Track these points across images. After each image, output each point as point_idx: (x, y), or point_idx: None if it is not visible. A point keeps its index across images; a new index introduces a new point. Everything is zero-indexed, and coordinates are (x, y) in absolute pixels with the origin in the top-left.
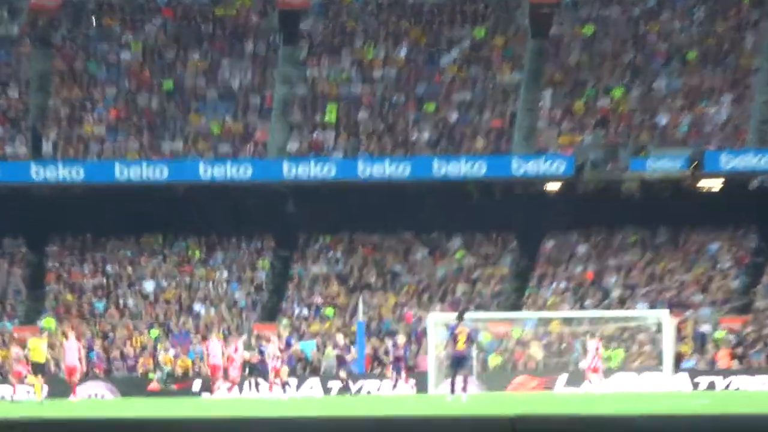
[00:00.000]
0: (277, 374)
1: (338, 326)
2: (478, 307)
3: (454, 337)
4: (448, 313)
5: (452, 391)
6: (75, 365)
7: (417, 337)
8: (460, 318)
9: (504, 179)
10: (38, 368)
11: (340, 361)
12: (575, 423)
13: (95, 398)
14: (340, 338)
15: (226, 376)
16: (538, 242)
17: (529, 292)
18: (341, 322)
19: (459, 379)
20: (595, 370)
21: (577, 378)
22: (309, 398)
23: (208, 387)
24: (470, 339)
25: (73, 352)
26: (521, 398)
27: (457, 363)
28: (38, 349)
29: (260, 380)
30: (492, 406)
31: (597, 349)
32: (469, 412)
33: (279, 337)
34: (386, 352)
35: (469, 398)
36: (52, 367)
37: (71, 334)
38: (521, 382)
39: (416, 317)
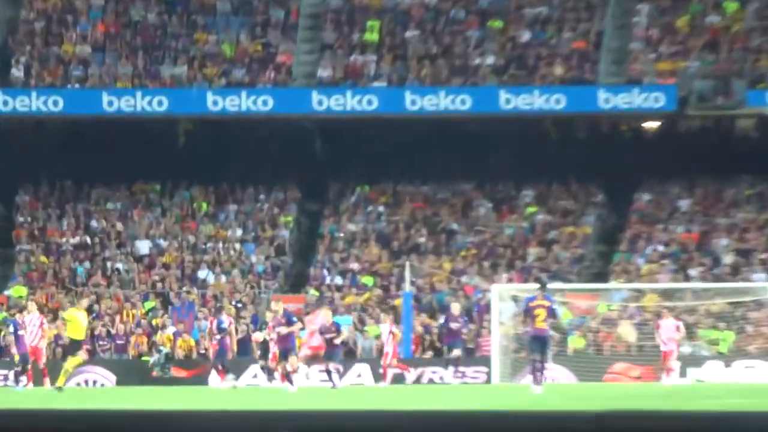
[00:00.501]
0: (274, 359)
1: (379, 298)
2: (554, 276)
3: (530, 312)
4: (517, 284)
5: (536, 380)
6: (39, 346)
7: (478, 312)
8: (542, 287)
9: (588, 115)
10: (75, 347)
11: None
12: (673, 420)
13: (88, 386)
14: (455, 307)
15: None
16: (630, 195)
17: (619, 257)
18: (383, 293)
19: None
20: (667, 358)
21: (684, 366)
22: (358, 387)
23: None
24: (551, 315)
25: (34, 329)
26: (618, 390)
27: (537, 344)
28: (76, 321)
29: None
30: (579, 399)
31: (677, 328)
32: (547, 407)
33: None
34: (439, 329)
35: (550, 389)
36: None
37: (32, 306)
38: (620, 370)
39: (477, 288)
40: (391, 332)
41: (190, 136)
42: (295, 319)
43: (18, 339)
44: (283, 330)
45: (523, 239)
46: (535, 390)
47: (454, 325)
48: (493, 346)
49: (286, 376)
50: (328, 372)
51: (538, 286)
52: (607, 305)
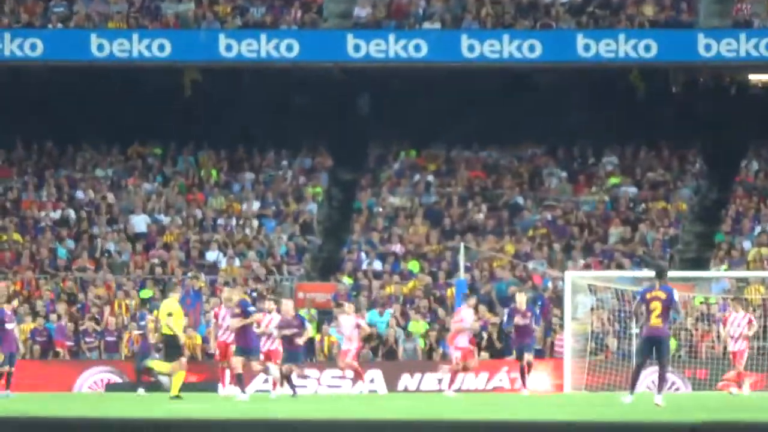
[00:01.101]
0: (223, 357)
1: (426, 288)
2: (641, 262)
3: (647, 306)
4: (595, 272)
5: (660, 389)
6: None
7: (544, 306)
8: (660, 275)
9: (684, 65)
10: (176, 349)
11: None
12: None
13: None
14: (521, 300)
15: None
16: (736, 164)
17: (721, 238)
18: (431, 281)
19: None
20: (736, 360)
21: None
22: (405, 394)
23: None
24: (668, 309)
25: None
26: (713, 401)
27: (648, 346)
28: (178, 315)
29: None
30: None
31: (749, 322)
32: (633, 417)
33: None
34: (504, 327)
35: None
36: None
37: (232, 295)
38: (732, 377)
39: (547, 276)
40: (357, 326)
41: (197, 88)
42: (252, 309)
43: (6, 334)
44: (236, 322)
45: (603, 216)
46: (657, 401)
47: (521, 322)
48: (566, 348)
49: (237, 379)
50: (287, 378)
51: (654, 273)
52: (704, 297)
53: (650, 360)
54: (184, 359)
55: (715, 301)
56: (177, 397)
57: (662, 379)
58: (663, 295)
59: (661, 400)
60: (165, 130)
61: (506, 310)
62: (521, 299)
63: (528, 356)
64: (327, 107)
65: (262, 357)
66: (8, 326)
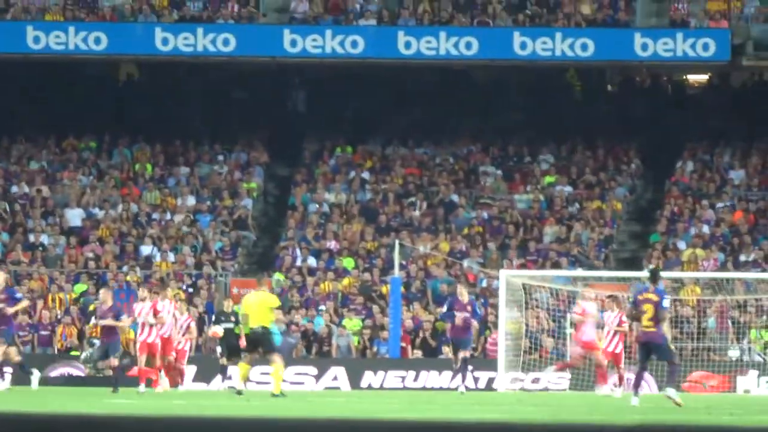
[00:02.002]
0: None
1: (362, 283)
2: (576, 262)
3: (638, 308)
4: (530, 271)
5: (669, 382)
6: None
7: (486, 306)
8: (653, 279)
9: (621, 64)
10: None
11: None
12: None
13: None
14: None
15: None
16: (672, 163)
17: (656, 238)
18: (366, 277)
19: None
20: (613, 359)
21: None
22: (334, 392)
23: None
24: (658, 312)
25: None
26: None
27: (644, 353)
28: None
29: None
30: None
31: (619, 319)
32: (568, 419)
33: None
34: (440, 316)
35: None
36: None
37: (146, 294)
38: (696, 378)
39: (481, 275)
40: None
41: (133, 81)
42: (19, 295)
43: None
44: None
45: (537, 214)
46: (671, 394)
47: (461, 316)
48: (500, 347)
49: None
50: (117, 370)
51: (648, 275)
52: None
53: (649, 362)
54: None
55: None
56: (281, 395)
57: (672, 373)
58: (655, 298)
59: (674, 393)
60: (100, 123)
61: (446, 302)
62: (463, 291)
63: (464, 352)
64: (263, 102)
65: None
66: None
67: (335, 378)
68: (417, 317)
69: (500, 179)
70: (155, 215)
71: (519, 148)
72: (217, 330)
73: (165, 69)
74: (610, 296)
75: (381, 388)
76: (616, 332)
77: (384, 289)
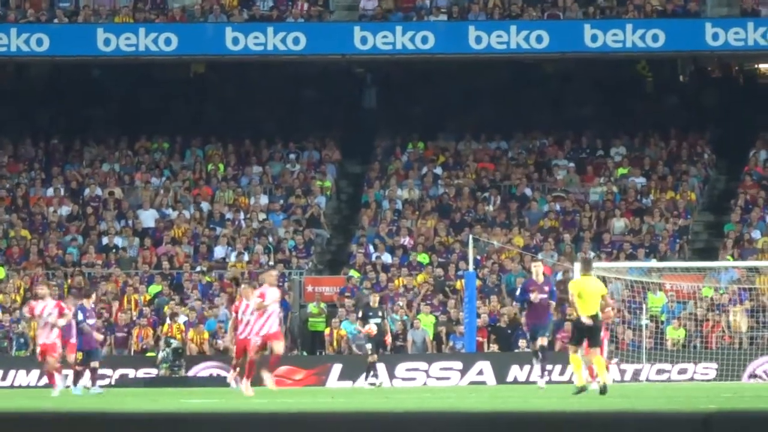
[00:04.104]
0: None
1: (436, 278)
2: (650, 253)
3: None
4: (605, 263)
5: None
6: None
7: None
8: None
9: (692, 54)
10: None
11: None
12: None
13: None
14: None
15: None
16: (745, 152)
17: (730, 228)
18: (441, 272)
19: None
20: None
21: None
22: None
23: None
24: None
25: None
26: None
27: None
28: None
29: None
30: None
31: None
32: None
33: None
34: (515, 298)
35: (641, 389)
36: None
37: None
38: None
39: (558, 267)
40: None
41: (204, 81)
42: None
43: (84, 330)
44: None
45: (611, 206)
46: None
47: (537, 297)
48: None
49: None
50: (92, 370)
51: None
52: (713, 288)
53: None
54: None
55: (725, 292)
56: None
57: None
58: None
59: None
60: (172, 124)
61: (520, 285)
62: (538, 270)
63: (542, 339)
64: (334, 100)
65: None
66: (89, 322)
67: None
68: (492, 311)
69: (573, 172)
70: (228, 215)
71: (591, 140)
72: (372, 327)
73: (235, 69)
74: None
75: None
76: None
77: (458, 285)
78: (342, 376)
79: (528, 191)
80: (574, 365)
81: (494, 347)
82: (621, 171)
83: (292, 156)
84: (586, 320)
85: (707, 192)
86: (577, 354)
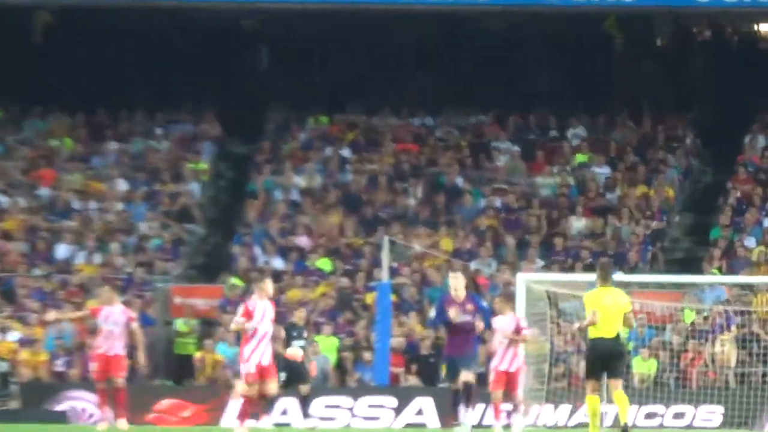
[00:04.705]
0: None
1: (341, 290)
2: (615, 262)
3: None
4: (556, 275)
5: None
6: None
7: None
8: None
9: (675, 11)
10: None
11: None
12: None
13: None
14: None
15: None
16: (738, 137)
17: (717, 234)
18: (347, 283)
19: None
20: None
21: None
22: None
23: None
24: None
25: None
26: None
27: None
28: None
29: None
30: None
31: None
32: None
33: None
34: (428, 322)
35: None
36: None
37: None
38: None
39: (494, 280)
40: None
41: (49, 34)
42: None
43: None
44: None
45: (565, 203)
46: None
47: (458, 318)
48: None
49: None
50: None
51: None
52: (696, 310)
53: None
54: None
55: (709, 314)
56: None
57: None
58: None
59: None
60: (7, 87)
61: (436, 302)
62: (457, 284)
63: (467, 374)
64: (215, 59)
65: None
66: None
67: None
68: (411, 334)
69: (518, 158)
70: (76, 204)
71: (543, 117)
72: (296, 352)
73: (88, 19)
74: (501, 295)
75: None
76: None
77: (368, 299)
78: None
79: (460, 181)
80: (589, 407)
81: (413, 380)
82: (580, 158)
83: (159, 130)
84: (605, 344)
85: (689, 187)
86: (596, 393)
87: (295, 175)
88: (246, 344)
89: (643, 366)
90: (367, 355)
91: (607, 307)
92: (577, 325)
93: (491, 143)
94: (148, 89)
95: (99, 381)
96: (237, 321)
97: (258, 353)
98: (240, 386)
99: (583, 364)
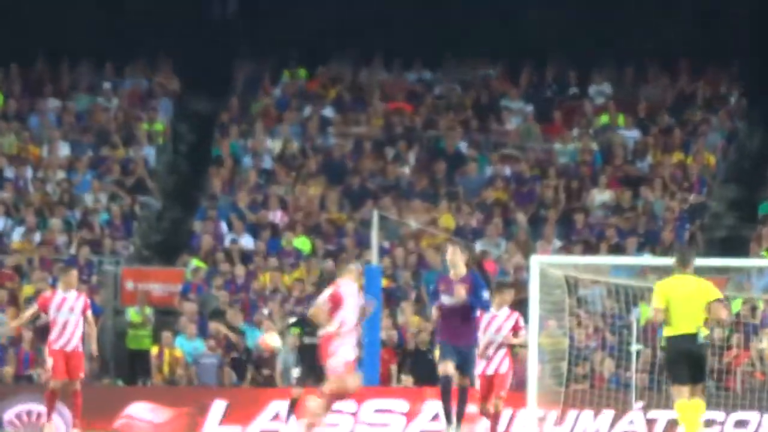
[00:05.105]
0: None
1: (322, 273)
2: (646, 243)
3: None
4: (573, 258)
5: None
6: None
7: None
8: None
9: None
10: None
11: None
12: None
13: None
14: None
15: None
16: None
17: (766, 210)
18: (329, 266)
19: None
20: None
21: None
22: None
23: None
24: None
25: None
26: None
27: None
28: None
29: None
30: None
31: (516, 326)
32: None
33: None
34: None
35: None
36: None
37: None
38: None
39: (502, 262)
40: None
41: None
42: None
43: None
44: None
45: (589, 174)
46: None
47: (452, 300)
48: (530, 372)
49: None
50: None
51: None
52: (743, 298)
53: None
54: None
55: (762, 305)
56: None
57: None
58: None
59: None
60: None
61: (434, 284)
62: (455, 257)
63: (462, 379)
64: (173, 3)
65: None
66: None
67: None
68: (406, 326)
69: (532, 119)
70: (8, 172)
71: (561, 71)
72: (273, 341)
73: None
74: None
75: None
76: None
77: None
78: (229, 418)
79: (463, 147)
80: (681, 416)
81: (408, 380)
82: (604, 119)
83: (107, 85)
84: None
85: (733, 154)
86: (685, 396)
87: (267, 138)
88: (334, 337)
89: None
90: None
91: (684, 298)
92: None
93: (500, 102)
94: (96, 37)
95: (55, 381)
96: (323, 308)
97: (347, 347)
98: (328, 384)
99: (608, 363)
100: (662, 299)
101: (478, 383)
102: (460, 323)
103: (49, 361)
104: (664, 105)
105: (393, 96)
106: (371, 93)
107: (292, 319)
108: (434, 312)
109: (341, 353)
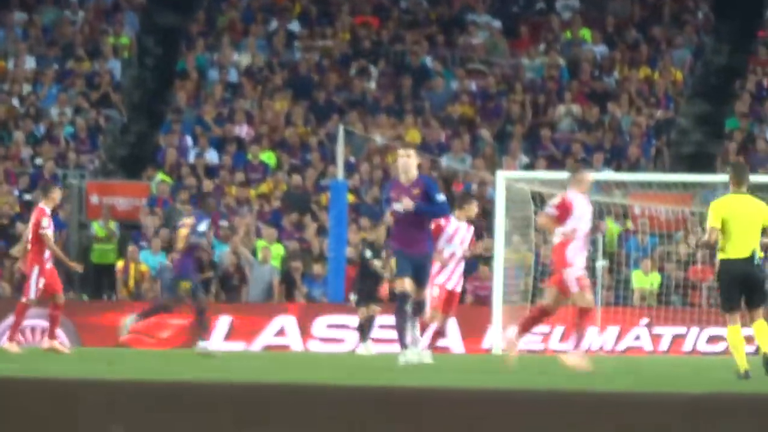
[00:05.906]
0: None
1: (288, 188)
2: (613, 158)
3: None
4: (539, 173)
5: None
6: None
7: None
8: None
9: None
10: None
11: None
12: None
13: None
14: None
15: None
16: (758, 10)
17: (734, 126)
18: (296, 180)
19: None
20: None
21: None
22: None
23: None
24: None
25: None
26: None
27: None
28: None
29: None
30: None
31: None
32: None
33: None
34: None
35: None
36: None
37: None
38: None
39: (468, 177)
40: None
41: None
42: None
43: None
44: None
45: (556, 89)
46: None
47: (403, 206)
48: (495, 288)
49: None
50: None
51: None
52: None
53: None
54: None
55: None
56: None
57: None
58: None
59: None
60: None
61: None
62: (409, 162)
63: (418, 291)
64: None
65: None
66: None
67: None
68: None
69: (498, 34)
70: None
71: None
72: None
73: None
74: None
75: None
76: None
77: (323, 199)
78: (233, 334)
79: (429, 61)
80: (731, 340)
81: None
82: (570, 35)
83: None
84: (737, 266)
85: (700, 70)
86: (736, 323)
87: (234, 51)
88: (568, 245)
89: (644, 281)
90: (317, 267)
91: (740, 218)
92: (693, 240)
93: (466, 16)
94: None
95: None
96: (549, 213)
97: (581, 257)
98: (578, 295)
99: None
100: (717, 219)
101: (436, 291)
102: (414, 230)
103: (41, 282)
104: (632, 20)
105: (359, 10)
106: (337, 7)
107: (368, 253)
108: (388, 217)
109: (578, 263)
